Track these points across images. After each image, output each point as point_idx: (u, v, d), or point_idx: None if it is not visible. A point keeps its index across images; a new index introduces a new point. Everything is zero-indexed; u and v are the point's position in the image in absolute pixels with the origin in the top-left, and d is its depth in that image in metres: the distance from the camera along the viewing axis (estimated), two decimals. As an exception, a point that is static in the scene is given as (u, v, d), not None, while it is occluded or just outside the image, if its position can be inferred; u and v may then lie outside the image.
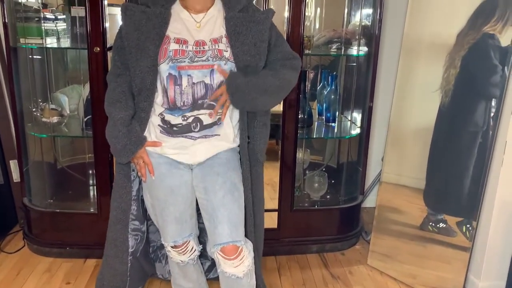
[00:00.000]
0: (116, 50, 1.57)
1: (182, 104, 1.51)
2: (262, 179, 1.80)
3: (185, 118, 1.53)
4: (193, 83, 1.49)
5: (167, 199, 1.60)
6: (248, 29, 1.51)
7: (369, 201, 2.87)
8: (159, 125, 1.55)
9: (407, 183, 2.23)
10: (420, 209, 2.19)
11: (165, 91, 1.51)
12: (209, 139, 1.57)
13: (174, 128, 1.54)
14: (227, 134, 1.59)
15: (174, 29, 1.50)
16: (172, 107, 1.52)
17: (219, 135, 1.58)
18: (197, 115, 1.53)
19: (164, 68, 1.48)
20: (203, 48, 1.49)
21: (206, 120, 1.54)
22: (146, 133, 1.58)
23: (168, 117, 1.53)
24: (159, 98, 1.53)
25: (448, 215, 2.11)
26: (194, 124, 1.53)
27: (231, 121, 1.60)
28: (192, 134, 1.54)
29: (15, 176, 2.60)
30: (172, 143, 1.56)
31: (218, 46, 1.50)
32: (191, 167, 1.62)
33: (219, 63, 1.49)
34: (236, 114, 1.60)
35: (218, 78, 1.51)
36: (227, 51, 1.50)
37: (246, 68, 1.52)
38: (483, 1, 1.94)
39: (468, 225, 2.06)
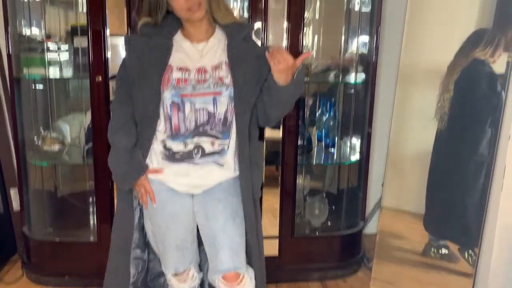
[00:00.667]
0: (119, 80, 1.60)
1: (185, 130, 1.52)
2: (259, 212, 1.79)
3: (186, 145, 1.54)
4: (196, 109, 1.51)
5: (168, 226, 1.60)
6: (250, 60, 1.54)
7: (370, 227, 2.85)
8: (161, 151, 1.56)
9: (408, 209, 2.23)
10: (421, 235, 2.18)
11: (168, 119, 1.52)
12: (211, 168, 1.57)
13: (176, 155, 1.55)
14: (229, 163, 1.60)
15: (176, 59, 1.53)
16: (175, 135, 1.53)
17: (222, 164, 1.59)
18: (198, 142, 1.54)
19: (168, 96, 1.50)
20: (204, 76, 1.52)
21: (208, 148, 1.55)
22: (148, 161, 1.59)
23: (170, 144, 1.55)
24: (161, 125, 1.55)
25: (450, 241, 2.10)
26: (195, 151, 1.54)
27: (232, 151, 1.60)
28: (194, 161, 1.56)
29: (15, 204, 2.59)
30: (174, 170, 1.56)
31: (219, 74, 1.53)
32: (192, 195, 1.62)
33: (221, 89, 1.52)
34: (233, 143, 1.61)
35: (221, 106, 1.53)
36: (227, 77, 1.53)
37: (243, 93, 1.54)
38: (475, 30, 1.99)
39: (470, 251, 2.04)
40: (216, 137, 1.55)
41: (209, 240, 1.60)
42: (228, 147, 1.58)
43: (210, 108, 1.52)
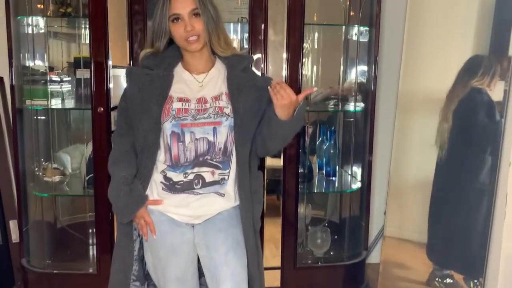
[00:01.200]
0: (120, 111, 1.62)
1: (185, 160, 1.52)
2: (260, 242, 1.77)
3: (186, 175, 1.54)
4: (196, 139, 1.52)
5: (168, 258, 1.58)
6: (250, 91, 1.56)
7: (374, 257, 2.81)
8: (161, 182, 1.56)
9: (411, 237, 2.21)
10: (425, 264, 2.15)
11: (168, 149, 1.53)
12: (212, 197, 1.57)
13: (176, 186, 1.55)
14: (229, 193, 1.59)
15: (177, 90, 1.55)
16: (175, 165, 1.54)
17: (223, 194, 1.58)
18: (198, 172, 1.54)
19: (168, 126, 1.51)
20: (204, 106, 1.53)
21: (208, 177, 1.55)
22: (148, 191, 1.58)
23: (170, 174, 1.55)
24: (161, 156, 1.55)
25: (455, 271, 2.07)
26: (196, 181, 1.54)
27: (233, 180, 1.60)
28: (195, 190, 1.55)
29: (14, 236, 2.57)
30: (174, 201, 1.56)
31: (219, 104, 1.54)
32: (193, 225, 1.61)
33: (221, 119, 1.53)
34: (233, 173, 1.61)
35: (221, 136, 1.53)
36: (227, 108, 1.54)
37: (244, 123, 1.55)
38: (471, 57, 2.01)
39: (475, 281, 2.01)
40: (217, 167, 1.55)
41: (210, 272, 1.58)
42: (228, 177, 1.58)
43: (210, 137, 1.53)
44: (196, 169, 1.54)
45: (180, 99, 1.53)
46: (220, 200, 1.58)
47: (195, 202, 1.55)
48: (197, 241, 1.61)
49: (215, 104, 1.54)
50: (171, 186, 1.55)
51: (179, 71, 1.59)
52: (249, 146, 1.57)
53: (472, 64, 2.01)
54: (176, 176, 1.54)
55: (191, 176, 1.53)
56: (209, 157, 1.54)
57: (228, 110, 1.54)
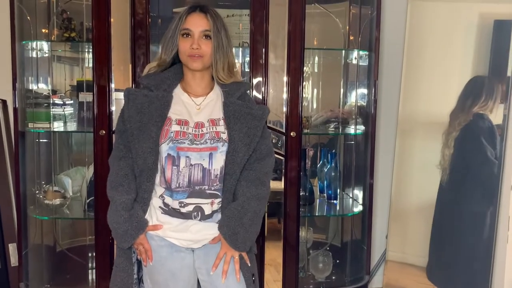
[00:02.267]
0: (119, 134, 1.61)
1: (177, 185, 1.50)
2: (256, 266, 1.75)
3: (183, 205, 1.52)
4: (191, 165, 1.51)
5: (168, 283, 1.56)
6: (246, 119, 1.56)
7: (376, 281, 2.77)
8: (160, 207, 1.55)
9: (413, 262, 2.18)
10: (428, 289, 2.12)
11: (162, 171, 1.52)
12: (211, 223, 1.56)
13: (176, 211, 1.54)
14: None
15: (175, 111, 1.55)
16: (168, 189, 1.52)
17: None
18: (197, 203, 1.52)
19: (164, 149, 1.50)
20: (201, 130, 1.53)
21: (208, 209, 1.54)
22: (147, 216, 1.57)
23: (168, 199, 1.54)
24: (157, 178, 1.55)
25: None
26: (195, 213, 1.52)
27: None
28: (194, 220, 1.54)
29: (13, 260, 2.54)
30: (174, 225, 1.54)
31: (216, 128, 1.54)
32: (193, 249, 1.60)
33: (217, 145, 1.52)
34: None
35: (217, 163, 1.53)
36: (224, 133, 1.54)
37: (237, 151, 1.54)
38: (470, 79, 2.03)
39: (480, 306, 1.98)
40: (216, 196, 1.54)
41: None
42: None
43: (205, 164, 1.51)
44: (192, 200, 1.52)
45: (179, 122, 1.53)
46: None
47: (194, 226, 1.54)
48: (197, 266, 1.60)
49: (212, 129, 1.54)
50: (171, 211, 1.54)
51: (178, 92, 1.59)
52: (237, 176, 1.56)
53: (472, 88, 2.03)
54: (172, 203, 1.53)
55: (189, 208, 1.52)
56: (206, 187, 1.52)
57: (224, 136, 1.53)
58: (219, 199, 1.55)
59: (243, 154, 1.54)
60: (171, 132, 1.51)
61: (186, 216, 1.53)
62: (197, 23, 1.52)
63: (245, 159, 1.55)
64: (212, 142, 1.52)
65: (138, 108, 1.53)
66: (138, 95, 1.56)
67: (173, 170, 1.50)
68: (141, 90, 1.59)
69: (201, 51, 1.52)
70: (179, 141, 1.50)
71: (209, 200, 1.53)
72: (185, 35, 1.53)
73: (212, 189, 1.53)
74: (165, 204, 1.54)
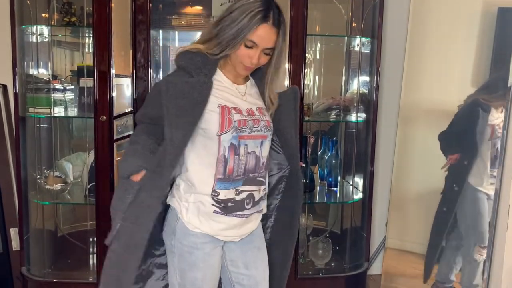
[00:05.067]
0: (145, 123, 1.55)
1: (237, 174, 1.46)
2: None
3: (238, 192, 1.47)
4: (248, 152, 1.46)
5: (206, 277, 1.50)
6: (289, 107, 1.55)
7: (375, 268, 2.79)
8: (212, 204, 1.47)
9: (412, 249, 2.20)
10: (426, 276, 2.14)
11: (224, 161, 1.44)
12: (255, 216, 1.55)
13: (229, 204, 1.47)
14: (264, 209, 1.59)
15: (223, 98, 1.46)
16: (227, 178, 1.45)
17: (261, 210, 1.56)
18: (251, 191, 1.49)
19: (227, 138, 1.43)
20: (255, 118, 1.48)
21: (257, 196, 1.51)
22: (181, 212, 1.47)
23: (222, 192, 1.45)
24: (211, 170, 1.45)
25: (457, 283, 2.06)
26: (247, 200, 1.49)
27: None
28: (244, 212, 1.49)
29: (15, 244, 2.56)
30: (227, 222, 1.48)
31: (266, 117, 1.51)
32: (224, 241, 1.55)
33: (268, 133, 1.50)
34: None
35: (265, 151, 1.51)
36: (271, 122, 1.52)
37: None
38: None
39: (478, 293, 2.00)
40: (262, 183, 1.52)
41: None
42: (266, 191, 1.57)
43: (258, 151, 1.48)
44: (247, 187, 1.48)
45: (238, 110, 1.45)
46: (258, 217, 1.57)
47: (244, 222, 1.51)
48: (232, 258, 1.57)
49: (263, 117, 1.49)
50: (224, 208, 1.46)
51: (219, 78, 1.50)
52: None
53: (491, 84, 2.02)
54: (228, 193, 1.45)
55: (243, 195, 1.48)
56: (257, 174, 1.49)
57: (271, 124, 1.51)
58: (264, 186, 1.53)
59: (294, 143, 1.56)
60: (234, 121, 1.43)
61: (240, 205, 1.48)
62: (266, 39, 1.40)
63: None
64: (264, 130, 1.49)
65: (178, 96, 1.41)
66: (178, 83, 1.43)
67: (235, 159, 1.45)
68: (179, 77, 1.45)
69: (257, 64, 1.45)
70: (242, 129, 1.44)
71: (258, 187, 1.51)
72: (248, 47, 1.41)
73: (260, 176, 1.50)
74: (218, 201, 1.46)
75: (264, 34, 1.38)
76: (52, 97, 2.33)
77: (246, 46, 1.40)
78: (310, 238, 2.64)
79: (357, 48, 2.57)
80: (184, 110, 1.40)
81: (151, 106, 1.51)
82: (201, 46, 1.45)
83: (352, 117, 2.55)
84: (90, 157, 2.39)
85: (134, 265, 1.50)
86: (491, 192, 1.93)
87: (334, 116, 2.54)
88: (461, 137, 2.04)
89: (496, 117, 1.94)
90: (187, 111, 1.41)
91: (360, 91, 2.55)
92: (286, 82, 2.24)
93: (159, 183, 1.45)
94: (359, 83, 2.56)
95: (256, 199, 1.51)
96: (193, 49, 1.45)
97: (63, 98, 2.40)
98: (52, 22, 2.41)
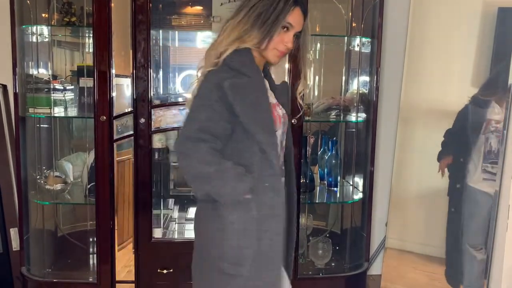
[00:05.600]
0: (212, 135, 1.35)
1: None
2: None
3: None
4: (282, 147, 1.51)
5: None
6: (282, 99, 1.55)
7: (375, 268, 2.79)
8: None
9: (412, 249, 2.20)
10: (427, 276, 2.14)
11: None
12: None
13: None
14: None
15: (269, 95, 1.48)
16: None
17: None
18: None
19: (279, 134, 1.46)
20: (283, 112, 1.52)
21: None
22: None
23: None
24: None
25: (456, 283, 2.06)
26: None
27: None
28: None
29: (15, 244, 2.56)
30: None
31: (285, 112, 1.53)
32: None
33: (288, 127, 1.53)
34: None
35: (284, 142, 1.53)
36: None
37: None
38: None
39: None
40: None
41: None
42: None
43: (283, 144, 1.52)
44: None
45: (277, 105, 1.49)
46: None
47: None
48: None
49: (284, 112, 1.52)
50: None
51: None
52: None
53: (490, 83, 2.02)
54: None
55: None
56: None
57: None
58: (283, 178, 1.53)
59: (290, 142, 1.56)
60: (282, 118, 1.47)
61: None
62: (299, 22, 1.42)
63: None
64: (287, 123, 1.52)
65: (252, 98, 1.36)
66: (246, 85, 1.37)
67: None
68: (241, 77, 1.37)
69: (288, 49, 1.45)
70: (284, 124, 1.50)
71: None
72: (285, 29, 1.40)
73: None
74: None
75: (297, 17, 1.42)
76: (52, 97, 2.33)
77: (283, 28, 1.40)
78: (310, 238, 2.64)
79: (357, 48, 2.57)
80: (261, 112, 1.38)
81: (216, 119, 1.34)
82: (242, 42, 1.40)
83: (352, 117, 2.55)
84: (90, 157, 2.39)
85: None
86: (486, 189, 1.93)
87: (334, 116, 2.54)
88: (458, 133, 2.04)
89: (492, 111, 1.94)
90: (261, 114, 1.38)
91: (360, 91, 2.55)
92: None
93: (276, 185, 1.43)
94: (359, 83, 2.56)
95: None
96: (241, 48, 1.40)
97: (63, 98, 2.40)
98: (52, 22, 2.41)
